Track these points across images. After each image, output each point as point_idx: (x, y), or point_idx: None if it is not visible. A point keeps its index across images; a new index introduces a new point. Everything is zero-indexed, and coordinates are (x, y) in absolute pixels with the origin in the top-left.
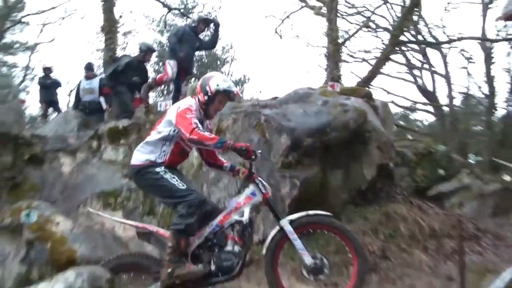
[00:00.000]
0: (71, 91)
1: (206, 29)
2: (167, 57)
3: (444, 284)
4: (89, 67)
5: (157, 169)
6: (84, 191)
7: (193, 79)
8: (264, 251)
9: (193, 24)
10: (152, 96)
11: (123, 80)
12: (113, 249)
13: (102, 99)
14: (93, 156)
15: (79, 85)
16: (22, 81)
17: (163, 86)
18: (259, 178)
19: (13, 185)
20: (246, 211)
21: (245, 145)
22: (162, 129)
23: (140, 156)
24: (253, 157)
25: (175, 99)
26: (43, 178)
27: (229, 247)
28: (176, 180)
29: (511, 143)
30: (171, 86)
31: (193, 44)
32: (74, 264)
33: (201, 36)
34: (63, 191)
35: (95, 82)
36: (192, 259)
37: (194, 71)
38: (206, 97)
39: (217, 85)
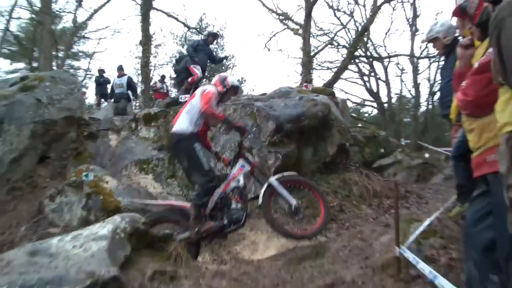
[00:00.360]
0: None
1: (214, 41)
2: (189, 63)
3: (383, 229)
4: (120, 68)
5: (196, 144)
6: (126, 159)
7: (204, 80)
8: (260, 202)
9: (204, 38)
10: (175, 91)
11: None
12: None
13: (129, 92)
14: (132, 134)
15: (113, 81)
16: (83, 79)
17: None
18: (246, 154)
19: (76, 154)
20: (241, 178)
21: (243, 125)
22: (195, 104)
23: (183, 124)
24: (248, 135)
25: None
26: (97, 149)
27: (233, 206)
28: (205, 160)
29: (430, 131)
30: (199, 73)
31: (205, 52)
32: (119, 211)
33: (212, 47)
34: (111, 159)
35: (124, 79)
36: (209, 218)
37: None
38: (224, 89)
39: (232, 82)
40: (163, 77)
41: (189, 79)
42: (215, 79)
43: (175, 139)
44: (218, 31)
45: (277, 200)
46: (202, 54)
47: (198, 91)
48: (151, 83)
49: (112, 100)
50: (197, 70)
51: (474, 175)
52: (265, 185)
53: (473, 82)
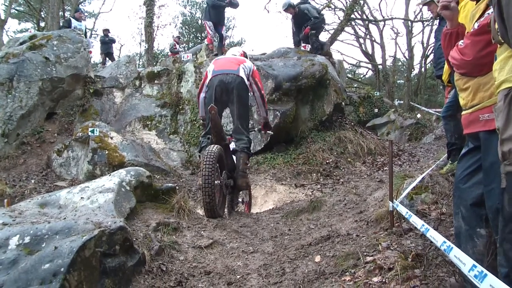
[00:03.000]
0: (121, 46)
1: None
2: (204, 18)
3: (377, 185)
4: (78, 10)
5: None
6: (130, 116)
7: (226, 33)
8: None
9: None
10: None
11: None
12: (150, 156)
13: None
14: (136, 91)
15: (69, 22)
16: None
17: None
18: None
19: (82, 110)
20: None
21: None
22: (248, 69)
23: (244, 76)
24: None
25: (220, 43)
26: (102, 106)
27: None
28: None
29: (422, 92)
30: (211, 32)
31: (222, 1)
32: (123, 165)
33: None
34: (115, 115)
35: (84, 27)
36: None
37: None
38: None
39: None
40: (179, 37)
41: (206, 40)
42: (240, 52)
43: (239, 80)
44: None
45: None
46: (215, 11)
47: (246, 60)
48: (171, 45)
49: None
50: (209, 29)
51: (465, 132)
52: None
53: (472, 42)
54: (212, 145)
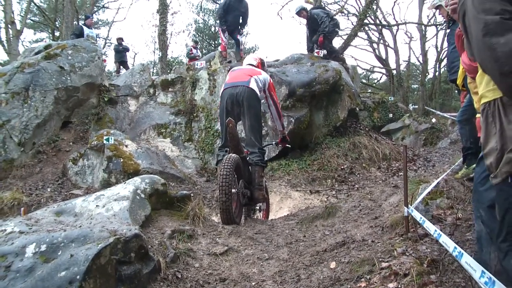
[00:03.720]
0: (135, 55)
1: None
2: (219, 25)
3: (392, 191)
4: (88, 17)
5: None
6: (144, 123)
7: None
8: None
9: None
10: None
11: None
12: (164, 164)
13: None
14: (151, 99)
15: (81, 30)
16: (103, 47)
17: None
18: None
19: (97, 119)
20: None
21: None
22: (263, 81)
23: (257, 89)
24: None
25: (238, 48)
26: (117, 114)
27: None
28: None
29: (437, 96)
30: (225, 38)
31: (237, 11)
32: (138, 173)
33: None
34: (130, 123)
35: (95, 34)
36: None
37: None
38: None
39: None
40: (196, 43)
41: (220, 48)
42: (257, 61)
43: (249, 91)
44: None
45: None
46: (232, 16)
47: (262, 72)
48: (187, 51)
49: None
50: (223, 37)
51: (479, 135)
52: None
53: None
54: (231, 154)
